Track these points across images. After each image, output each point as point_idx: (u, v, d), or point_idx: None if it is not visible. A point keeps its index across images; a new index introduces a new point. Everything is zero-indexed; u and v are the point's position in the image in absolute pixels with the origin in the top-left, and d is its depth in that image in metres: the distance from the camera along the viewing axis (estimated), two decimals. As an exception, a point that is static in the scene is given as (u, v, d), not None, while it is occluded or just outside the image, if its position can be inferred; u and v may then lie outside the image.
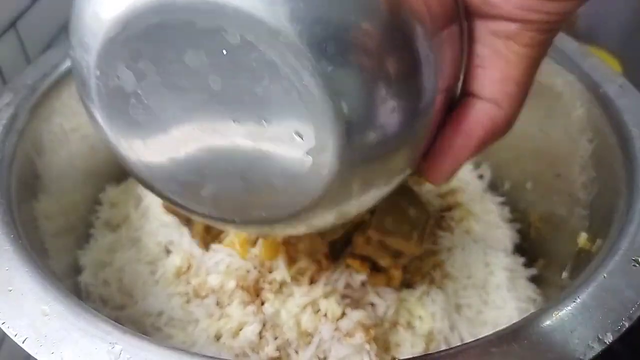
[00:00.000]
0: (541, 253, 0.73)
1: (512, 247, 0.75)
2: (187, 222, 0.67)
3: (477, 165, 0.86)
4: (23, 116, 0.63)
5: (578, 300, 0.41)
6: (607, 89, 0.62)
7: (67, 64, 0.72)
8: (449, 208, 0.74)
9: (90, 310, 0.42)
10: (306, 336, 0.58)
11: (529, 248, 0.76)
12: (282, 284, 0.62)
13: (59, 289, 0.44)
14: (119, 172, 0.83)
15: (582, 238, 0.59)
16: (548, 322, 0.40)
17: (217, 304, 0.62)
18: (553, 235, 0.71)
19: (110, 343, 0.39)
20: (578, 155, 0.65)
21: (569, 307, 0.40)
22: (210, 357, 0.38)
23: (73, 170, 0.74)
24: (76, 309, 0.42)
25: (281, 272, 0.62)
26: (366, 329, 0.58)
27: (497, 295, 0.66)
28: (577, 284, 0.43)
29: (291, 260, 0.62)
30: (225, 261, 0.65)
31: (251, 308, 0.60)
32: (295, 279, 0.62)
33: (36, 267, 0.46)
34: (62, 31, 0.96)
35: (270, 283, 0.62)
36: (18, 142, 0.61)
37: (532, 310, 0.67)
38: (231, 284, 0.63)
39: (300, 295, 0.60)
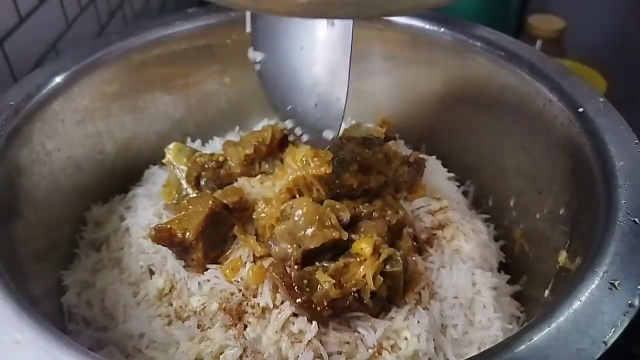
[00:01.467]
0: (524, 270, 0.73)
1: (498, 265, 0.75)
2: (185, 252, 0.66)
3: (461, 183, 0.87)
4: (4, 137, 0.63)
5: (553, 325, 0.41)
6: (587, 108, 0.63)
7: (52, 84, 0.73)
8: (440, 226, 0.74)
9: (63, 338, 0.42)
10: (286, 363, 0.58)
11: (512, 264, 0.76)
12: (265, 309, 0.61)
13: (32, 315, 0.43)
14: (105, 191, 0.83)
15: (562, 256, 0.59)
16: (522, 347, 0.39)
17: (199, 326, 0.62)
18: (536, 251, 0.71)
19: (82, 372, 0.39)
20: (559, 172, 0.65)
21: (544, 332, 0.40)
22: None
23: (57, 190, 0.73)
24: (49, 336, 0.41)
25: (265, 297, 0.61)
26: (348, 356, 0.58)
27: (484, 315, 0.66)
28: (553, 307, 0.43)
29: (276, 288, 0.61)
30: (210, 283, 0.65)
31: (232, 332, 0.60)
32: (277, 306, 0.61)
33: (10, 292, 0.46)
34: (50, 51, 0.96)
35: (253, 307, 0.62)
36: (-1, 164, 0.61)
37: (516, 329, 0.67)
38: (214, 305, 0.62)
39: (274, 318, 0.60)
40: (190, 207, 0.65)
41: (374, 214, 0.67)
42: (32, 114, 0.68)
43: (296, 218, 0.61)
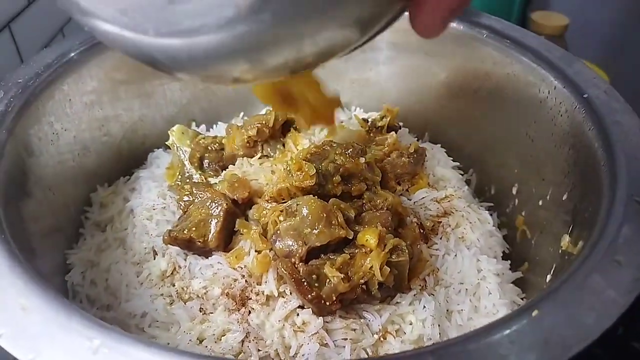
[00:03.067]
0: (526, 257, 0.73)
1: (502, 252, 0.75)
2: (188, 249, 0.67)
3: (464, 171, 0.87)
4: (13, 115, 0.63)
5: (559, 300, 0.41)
6: (591, 94, 0.63)
7: (60, 64, 0.72)
8: (446, 214, 0.73)
9: (69, 305, 0.42)
10: (289, 350, 0.58)
11: (513, 251, 0.76)
12: (270, 297, 0.61)
13: (39, 283, 0.44)
14: (111, 173, 0.83)
15: (565, 240, 0.60)
16: (525, 321, 0.39)
17: (201, 309, 0.62)
18: (538, 238, 0.71)
19: (89, 338, 0.39)
20: (562, 159, 0.65)
21: (550, 307, 0.40)
22: (182, 350, 0.38)
23: (64, 170, 0.74)
24: (56, 304, 0.42)
25: (270, 285, 0.61)
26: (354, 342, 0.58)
27: (489, 301, 0.66)
28: (557, 283, 0.43)
29: (280, 277, 0.61)
30: (213, 268, 0.65)
31: (235, 316, 0.60)
32: (282, 295, 0.61)
33: (19, 262, 0.46)
34: (57, 34, 0.97)
35: (257, 294, 0.62)
36: (7, 141, 0.61)
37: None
38: (216, 290, 0.62)
39: (279, 307, 0.60)
40: (198, 199, 0.66)
41: (364, 206, 0.67)
42: (40, 93, 0.68)
43: (303, 215, 0.60)
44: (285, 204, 0.65)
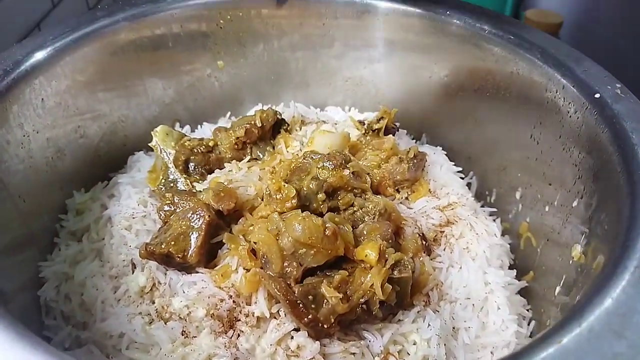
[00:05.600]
0: (531, 265, 0.69)
1: (508, 262, 0.71)
2: (167, 264, 0.62)
3: (464, 174, 0.83)
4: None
5: (584, 325, 0.37)
6: (603, 94, 0.59)
7: (31, 61, 0.67)
8: (449, 223, 0.69)
9: (29, 336, 0.37)
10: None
11: (517, 259, 0.72)
12: (261, 319, 0.56)
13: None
14: (88, 178, 0.78)
15: (576, 251, 0.56)
16: (551, 350, 0.35)
17: (183, 333, 0.56)
18: (544, 246, 0.67)
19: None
20: (571, 163, 0.61)
21: (575, 333, 0.36)
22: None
23: (37, 175, 0.68)
24: (13, 334, 0.37)
25: (261, 306, 0.56)
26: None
27: (498, 316, 0.61)
28: (581, 306, 0.39)
29: (272, 296, 0.56)
30: (197, 287, 0.59)
31: (222, 340, 0.55)
32: (274, 316, 0.56)
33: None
34: (34, 29, 0.90)
35: (247, 316, 0.56)
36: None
37: (524, 330, 0.63)
38: (200, 312, 0.57)
39: (271, 330, 0.55)
40: (179, 210, 0.61)
41: (356, 214, 0.63)
42: (8, 92, 0.63)
43: (297, 234, 0.54)
44: (275, 220, 0.59)
